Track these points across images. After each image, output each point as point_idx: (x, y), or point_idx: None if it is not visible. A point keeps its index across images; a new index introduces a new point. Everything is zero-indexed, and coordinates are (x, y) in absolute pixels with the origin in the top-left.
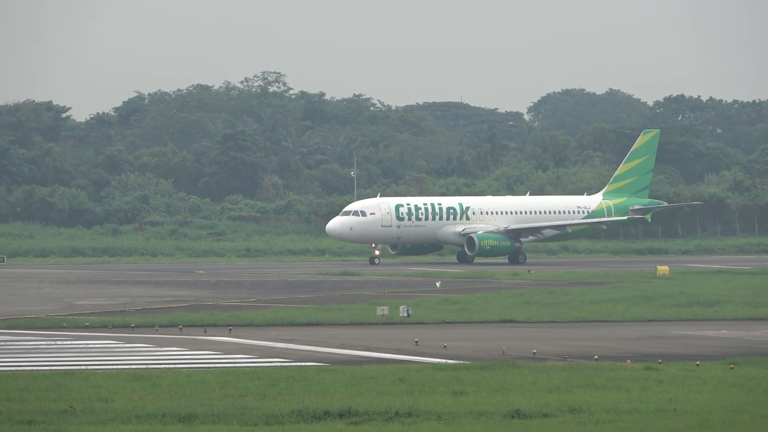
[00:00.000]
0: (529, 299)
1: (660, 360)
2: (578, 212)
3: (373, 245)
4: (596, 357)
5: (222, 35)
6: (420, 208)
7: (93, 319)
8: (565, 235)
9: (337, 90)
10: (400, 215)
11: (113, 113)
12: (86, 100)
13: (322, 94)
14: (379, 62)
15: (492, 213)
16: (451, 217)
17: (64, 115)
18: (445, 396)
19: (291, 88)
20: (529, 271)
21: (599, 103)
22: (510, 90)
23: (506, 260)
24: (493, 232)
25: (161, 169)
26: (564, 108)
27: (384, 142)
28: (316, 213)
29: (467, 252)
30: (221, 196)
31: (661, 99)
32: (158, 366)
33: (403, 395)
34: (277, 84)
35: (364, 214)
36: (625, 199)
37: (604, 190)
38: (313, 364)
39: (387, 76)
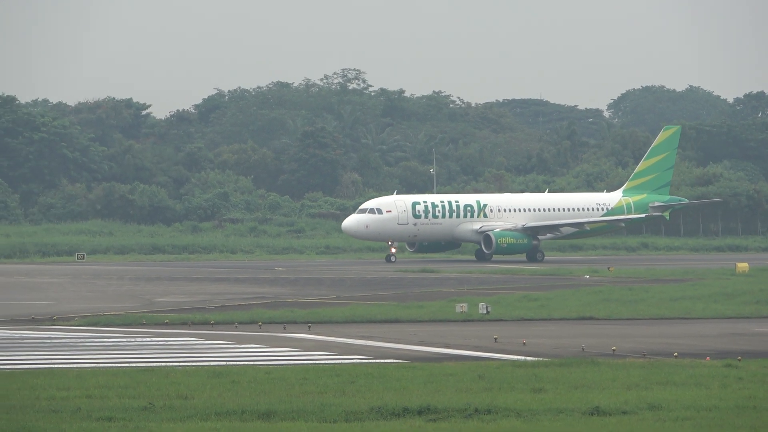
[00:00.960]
0: (608, 296)
1: (740, 357)
2: (597, 209)
3: (390, 243)
4: (676, 354)
5: (302, 33)
6: (437, 206)
7: (173, 316)
8: (583, 232)
9: (416, 87)
10: (417, 213)
11: (193, 110)
12: (166, 97)
13: (402, 91)
14: (459, 59)
15: (510, 210)
16: (469, 214)
17: (144, 113)
18: (524, 393)
19: (371, 85)
20: (608, 269)
21: (679, 99)
22: (590, 87)
23: (524, 258)
24: (510, 229)
25: (241, 166)
26: (644, 105)
27: (463, 139)
28: None
29: (484, 250)
30: (301, 193)
31: (741, 96)
32: (238, 363)
33: (482, 392)
34: (356, 81)
35: (380, 211)
36: (645, 196)
37: (624, 187)
38: (392, 361)
39: (467, 73)
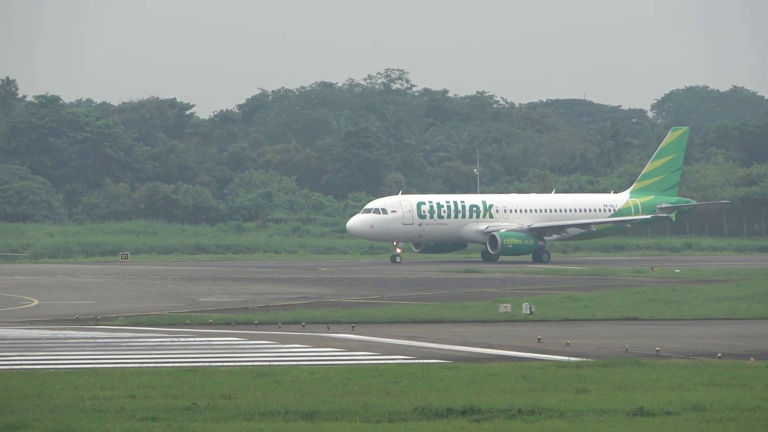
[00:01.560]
0: (652, 297)
1: None
2: (604, 210)
3: (395, 243)
4: (719, 355)
5: (346, 32)
6: (442, 206)
7: (216, 316)
8: (589, 233)
9: (460, 87)
10: (422, 213)
11: (237, 110)
12: (210, 97)
13: (446, 92)
14: (502, 59)
15: (516, 211)
16: (474, 215)
17: (188, 113)
18: (567, 393)
19: (414, 86)
20: (652, 269)
21: (723, 100)
22: (633, 87)
23: (530, 259)
24: (516, 230)
25: (284, 166)
26: (687, 105)
27: (507, 139)
28: None
29: (490, 250)
30: (344, 193)
31: None
32: (281, 363)
33: (526, 393)
34: (400, 81)
35: (385, 211)
36: (652, 197)
37: (631, 188)
38: (435, 361)
39: (510, 73)
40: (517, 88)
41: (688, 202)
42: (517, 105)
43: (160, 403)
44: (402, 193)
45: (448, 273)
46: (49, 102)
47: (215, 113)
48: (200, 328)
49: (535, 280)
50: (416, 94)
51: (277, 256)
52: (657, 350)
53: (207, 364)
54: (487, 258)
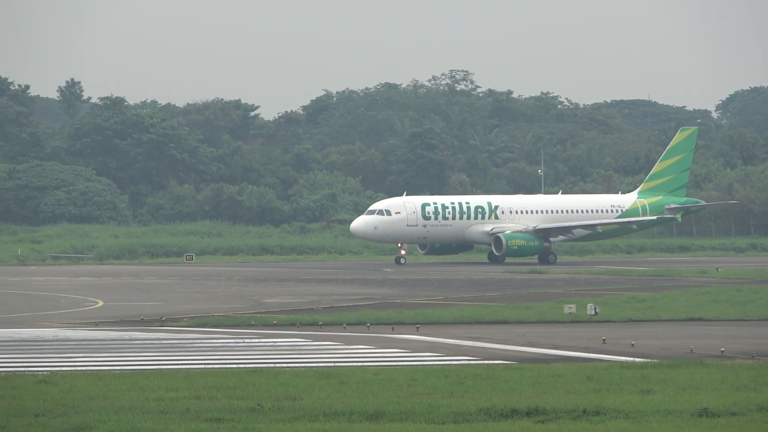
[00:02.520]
0: (717, 297)
1: None
2: (611, 211)
3: (399, 245)
4: None
5: (411, 33)
6: (447, 207)
7: (281, 317)
8: (596, 234)
9: (524, 88)
10: (427, 214)
11: (301, 111)
12: (275, 98)
13: (510, 92)
14: (566, 60)
15: (521, 212)
16: (480, 216)
17: (252, 114)
18: (632, 394)
19: (478, 86)
20: (717, 269)
21: None
22: (698, 88)
23: (536, 260)
24: (521, 231)
25: (349, 167)
26: (752, 106)
27: (571, 140)
28: None
29: (495, 252)
30: (409, 194)
31: None
32: (346, 364)
33: (591, 393)
34: (464, 82)
35: (389, 213)
36: (661, 197)
37: (639, 188)
38: (500, 362)
39: (575, 74)
40: (582, 89)
41: (696, 202)
42: (581, 106)
43: (225, 404)
44: (406, 194)
45: (512, 274)
46: (114, 104)
47: (280, 114)
48: (265, 329)
49: (600, 281)
50: (480, 95)
51: (342, 257)
52: (722, 351)
53: (272, 365)
54: (493, 260)
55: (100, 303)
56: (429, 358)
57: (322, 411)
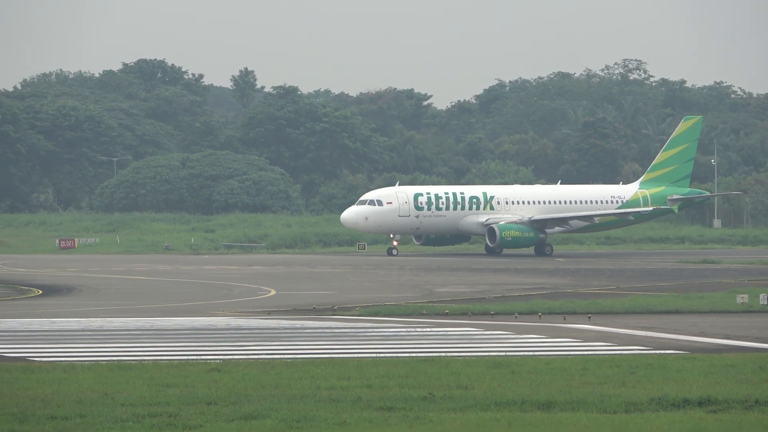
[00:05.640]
0: None
1: None
2: (612, 202)
3: (392, 236)
4: None
5: (585, 23)
6: (440, 197)
7: (452, 306)
8: (593, 226)
9: (698, 77)
10: (419, 204)
11: (474, 101)
12: (447, 88)
13: (683, 82)
14: (740, 49)
15: (518, 203)
16: (474, 206)
17: (425, 103)
18: None
19: (651, 76)
20: None
21: None
22: None
23: (532, 252)
24: (516, 222)
25: (521, 156)
26: None
27: (745, 130)
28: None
29: (489, 243)
30: (581, 183)
31: None
32: (517, 353)
33: (764, 384)
34: (637, 72)
35: (380, 203)
36: (663, 188)
37: (641, 179)
38: (672, 351)
39: (749, 62)
40: (756, 78)
41: (701, 193)
42: (755, 95)
43: (397, 393)
44: (399, 184)
45: (685, 264)
46: (288, 93)
47: (452, 104)
48: (436, 319)
49: None
50: (654, 84)
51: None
52: None
53: (443, 354)
54: (489, 251)
55: (273, 292)
56: (600, 348)
57: (493, 400)
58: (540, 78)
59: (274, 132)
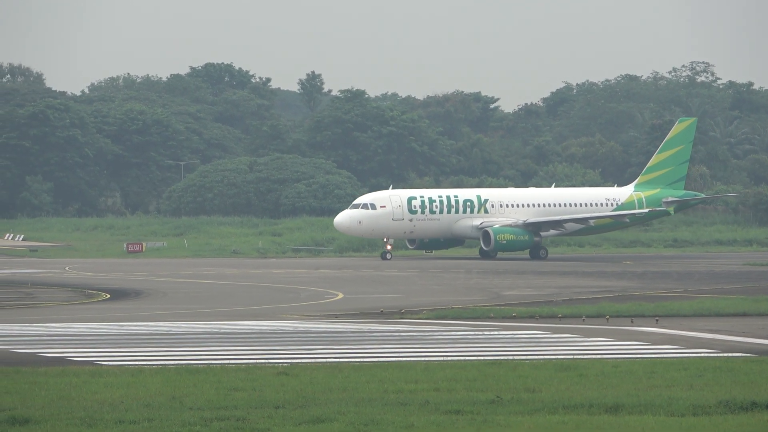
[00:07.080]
0: None
1: None
2: (606, 205)
3: (385, 239)
4: None
5: (652, 24)
6: (434, 201)
7: (520, 309)
8: (589, 229)
9: (766, 79)
10: (413, 208)
11: (541, 104)
12: (514, 91)
13: (751, 84)
14: None
15: (512, 206)
16: (468, 210)
17: (492, 106)
18: None
19: (719, 78)
20: None
21: None
22: None
23: (527, 255)
24: (510, 225)
25: (589, 159)
26: None
27: None
28: (743, 203)
29: (483, 247)
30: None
31: None
32: (585, 356)
33: None
34: (705, 74)
35: (373, 207)
36: (658, 190)
37: (636, 181)
38: (740, 354)
39: None
40: None
41: (696, 195)
42: None
43: (464, 396)
44: (392, 188)
45: (753, 266)
46: (355, 96)
47: (519, 107)
48: (504, 322)
49: None
50: (721, 86)
51: (581, 249)
52: None
53: (511, 357)
54: (484, 255)
55: (340, 295)
56: (668, 351)
57: (561, 403)
58: (607, 80)
59: (341, 135)
